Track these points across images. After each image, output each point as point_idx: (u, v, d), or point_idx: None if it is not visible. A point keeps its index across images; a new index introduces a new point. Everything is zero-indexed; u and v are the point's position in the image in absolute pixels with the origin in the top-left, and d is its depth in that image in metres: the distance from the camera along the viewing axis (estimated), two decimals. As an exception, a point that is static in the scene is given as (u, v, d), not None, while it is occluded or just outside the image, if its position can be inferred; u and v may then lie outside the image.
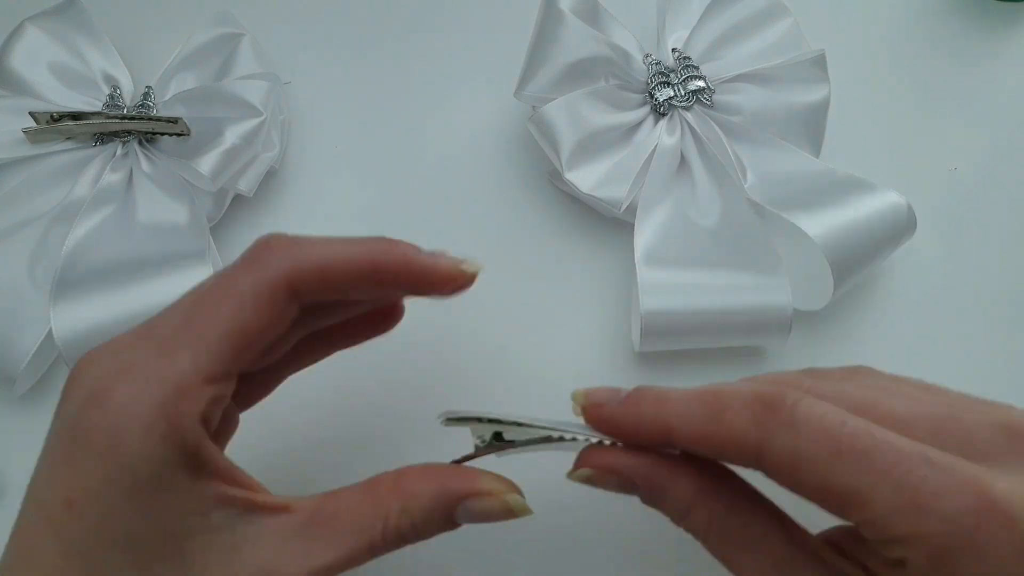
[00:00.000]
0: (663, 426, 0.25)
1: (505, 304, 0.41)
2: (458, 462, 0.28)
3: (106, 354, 0.24)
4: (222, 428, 0.29)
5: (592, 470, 0.27)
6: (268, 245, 0.26)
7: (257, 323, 0.24)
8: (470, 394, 0.39)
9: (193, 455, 0.23)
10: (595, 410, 0.27)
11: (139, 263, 0.37)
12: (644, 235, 0.38)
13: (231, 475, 0.25)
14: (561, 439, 0.27)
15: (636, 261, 0.37)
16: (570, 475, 0.27)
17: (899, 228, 0.38)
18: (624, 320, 0.41)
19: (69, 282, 0.36)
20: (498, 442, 0.28)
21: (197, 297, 0.25)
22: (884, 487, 0.21)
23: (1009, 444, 0.23)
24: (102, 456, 0.22)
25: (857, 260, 0.37)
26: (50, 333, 0.36)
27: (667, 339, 0.37)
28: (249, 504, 0.24)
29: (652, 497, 0.26)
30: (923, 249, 0.41)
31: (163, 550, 0.23)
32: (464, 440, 0.28)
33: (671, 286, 0.37)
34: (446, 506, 0.26)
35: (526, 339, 0.40)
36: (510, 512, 0.27)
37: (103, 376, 0.23)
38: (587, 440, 0.27)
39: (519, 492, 0.27)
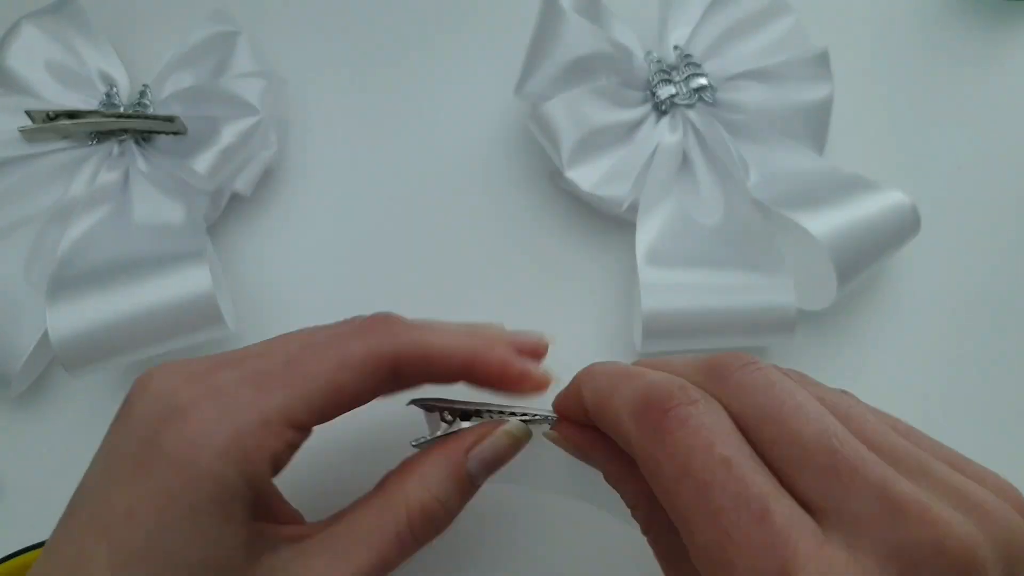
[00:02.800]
0: (578, 399, 0.26)
1: (506, 303, 0.41)
2: (421, 444, 0.29)
3: (185, 373, 0.25)
4: None
5: (556, 434, 0.29)
6: (386, 320, 0.27)
7: (353, 387, 0.25)
8: (470, 394, 0.39)
9: (258, 489, 0.23)
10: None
11: (136, 263, 0.37)
12: (646, 234, 0.38)
13: (287, 516, 0.26)
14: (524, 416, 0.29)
15: (638, 260, 0.37)
16: (545, 434, 0.29)
17: (904, 227, 0.38)
18: (625, 320, 0.40)
19: (65, 282, 0.36)
20: (464, 420, 0.29)
21: (305, 345, 0.26)
22: (706, 527, 0.20)
23: None
24: (173, 469, 0.22)
25: (861, 259, 0.37)
26: (47, 333, 0.35)
27: (669, 339, 0.37)
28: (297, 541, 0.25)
29: (609, 480, 0.27)
30: (928, 249, 0.41)
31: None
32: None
33: (673, 286, 0.37)
34: (456, 464, 0.27)
35: (527, 339, 0.40)
36: (516, 440, 0.28)
37: (189, 394, 0.24)
38: (545, 418, 0.29)
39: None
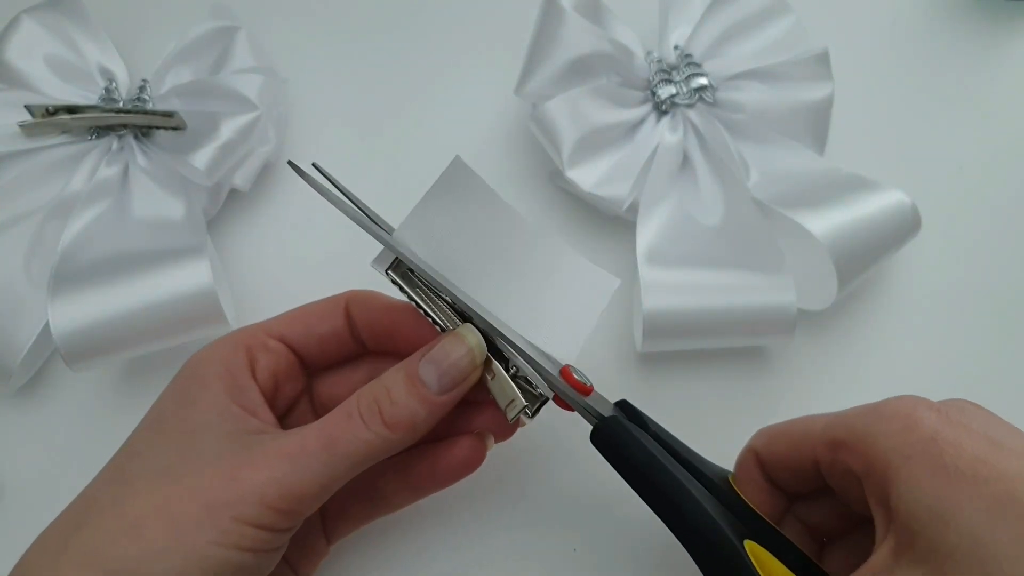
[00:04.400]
0: (759, 460, 0.30)
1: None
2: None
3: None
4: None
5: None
6: None
7: (319, 311, 0.32)
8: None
9: (233, 374, 0.29)
10: None
11: (136, 258, 0.37)
12: (646, 234, 0.38)
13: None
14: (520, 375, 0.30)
15: (638, 260, 0.37)
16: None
17: (904, 227, 0.38)
18: (626, 320, 0.40)
19: (66, 277, 0.36)
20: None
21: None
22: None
23: None
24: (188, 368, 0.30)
25: (862, 259, 0.37)
26: (46, 327, 0.35)
27: (669, 339, 0.37)
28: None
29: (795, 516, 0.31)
30: (928, 248, 0.41)
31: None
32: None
33: (673, 285, 0.37)
34: (409, 364, 0.29)
35: (526, 338, 0.40)
36: (466, 345, 0.29)
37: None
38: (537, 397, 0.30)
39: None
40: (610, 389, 0.39)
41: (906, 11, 0.47)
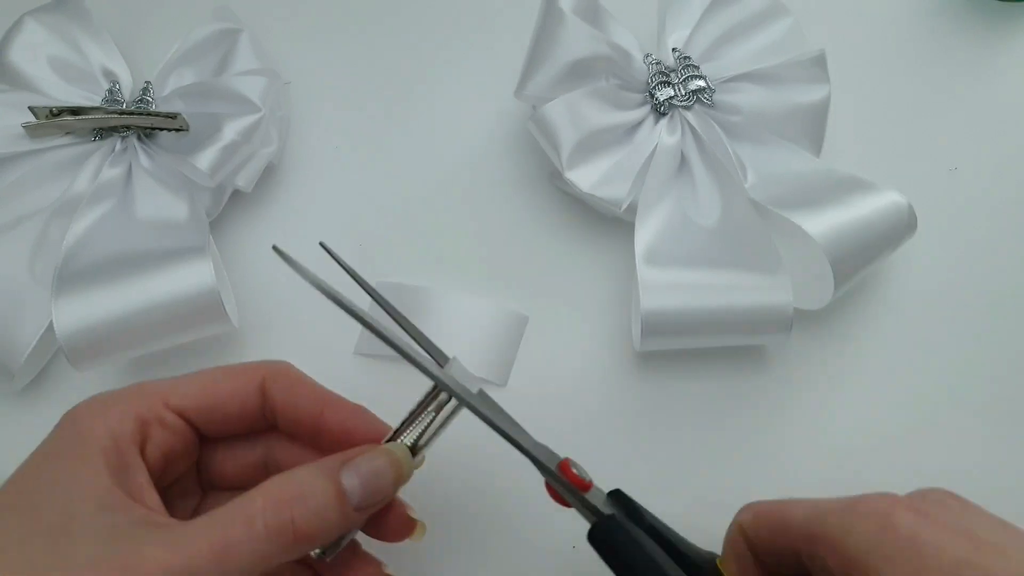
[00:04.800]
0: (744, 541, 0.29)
1: (505, 303, 0.41)
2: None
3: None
4: None
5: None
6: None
7: (227, 385, 0.29)
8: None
9: (119, 448, 0.26)
10: None
11: (139, 258, 0.37)
12: (644, 234, 0.38)
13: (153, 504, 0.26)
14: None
15: (636, 260, 0.37)
16: None
17: (900, 228, 0.38)
18: (624, 319, 0.40)
19: (70, 277, 0.36)
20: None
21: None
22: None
23: None
24: (62, 427, 0.27)
25: (858, 259, 0.37)
26: (50, 327, 0.36)
27: (667, 338, 0.37)
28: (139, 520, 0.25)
29: None
30: (924, 249, 0.41)
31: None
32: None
33: (671, 285, 0.37)
34: (330, 469, 0.26)
35: (527, 338, 0.40)
36: (394, 460, 0.27)
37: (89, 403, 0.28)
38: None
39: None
40: (609, 388, 0.39)
41: (902, 13, 0.48)
